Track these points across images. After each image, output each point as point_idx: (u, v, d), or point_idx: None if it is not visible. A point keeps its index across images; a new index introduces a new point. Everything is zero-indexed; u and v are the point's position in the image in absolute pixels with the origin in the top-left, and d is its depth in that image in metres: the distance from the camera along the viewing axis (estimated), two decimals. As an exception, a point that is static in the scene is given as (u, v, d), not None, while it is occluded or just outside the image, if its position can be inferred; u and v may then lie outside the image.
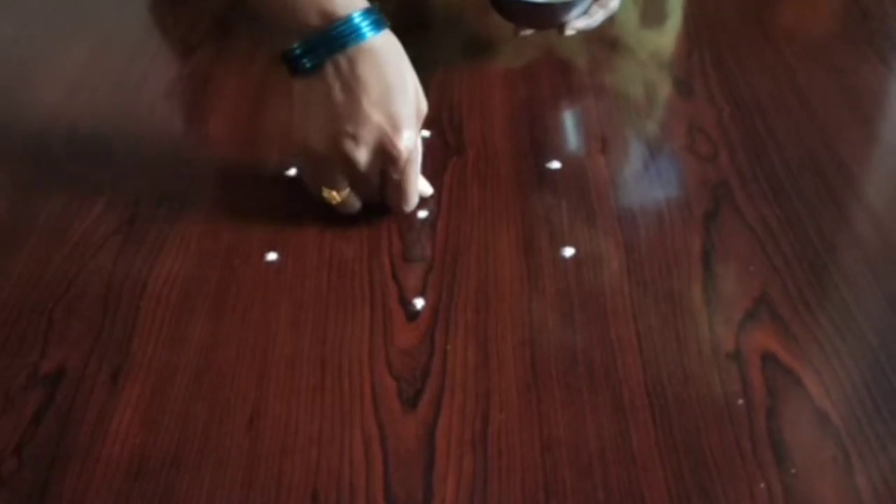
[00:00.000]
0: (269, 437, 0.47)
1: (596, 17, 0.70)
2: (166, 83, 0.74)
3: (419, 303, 0.53)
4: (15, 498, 0.44)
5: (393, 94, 0.53)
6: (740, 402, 0.47)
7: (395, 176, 0.55)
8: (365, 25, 0.52)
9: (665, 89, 0.70)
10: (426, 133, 0.66)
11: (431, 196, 0.60)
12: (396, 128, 0.53)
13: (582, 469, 0.45)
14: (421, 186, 0.59)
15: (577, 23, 0.69)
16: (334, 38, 0.52)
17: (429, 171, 0.62)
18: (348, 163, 0.54)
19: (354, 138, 0.53)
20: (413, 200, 0.58)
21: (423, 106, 0.56)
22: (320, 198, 0.57)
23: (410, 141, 0.54)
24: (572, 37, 0.70)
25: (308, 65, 0.53)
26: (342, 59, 0.52)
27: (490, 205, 0.60)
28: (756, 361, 0.49)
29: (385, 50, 0.54)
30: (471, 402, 0.48)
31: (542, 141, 0.65)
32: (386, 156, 0.54)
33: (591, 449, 0.45)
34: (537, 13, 0.69)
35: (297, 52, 0.53)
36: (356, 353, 0.51)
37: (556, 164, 0.63)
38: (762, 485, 0.43)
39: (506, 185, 0.61)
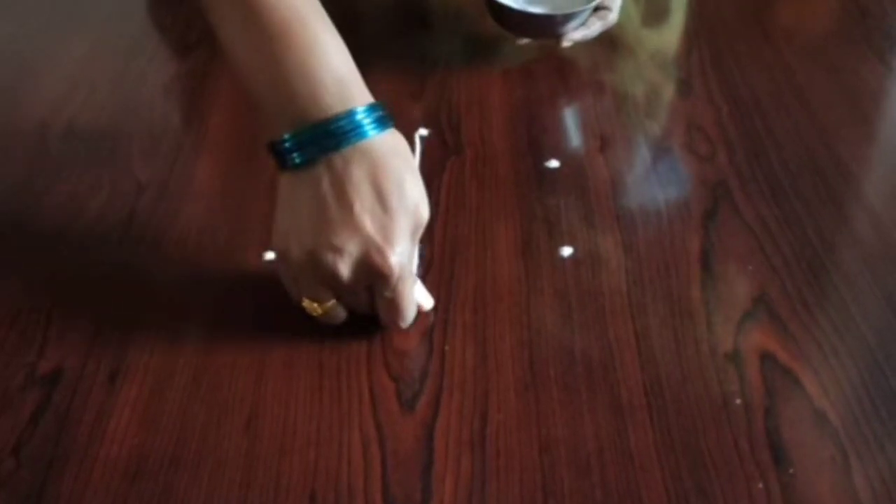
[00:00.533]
0: (268, 437, 0.47)
1: (593, 29, 0.70)
2: (165, 81, 0.74)
3: (429, 304, 0.53)
4: (13, 498, 0.44)
5: (389, 201, 0.47)
6: (738, 401, 0.47)
7: (387, 294, 0.49)
8: (367, 123, 0.47)
9: (664, 88, 0.70)
10: (424, 132, 0.65)
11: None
12: (388, 241, 0.47)
13: (580, 469, 0.45)
14: (420, 299, 0.52)
15: (575, 34, 0.70)
16: (331, 133, 0.46)
17: (427, 171, 0.62)
18: (332, 276, 0.47)
19: (339, 251, 0.46)
20: (409, 316, 0.51)
21: (424, 216, 0.49)
22: (300, 306, 0.51)
23: (403, 256, 0.48)
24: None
25: (298, 160, 0.47)
26: (337, 159, 0.46)
27: (488, 204, 0.60)
28: (754, 361, 0.49)
29: (386, 151, 0.48)
30: (469, 402, 0.48)
31: (540, 140, 0.65)
32: (374, 272, 0.47)
33: (590, 449, 0.45)
34: (535, 24, 0.69)
35: (287, 144, 0.47)
36: (354, 353, 0.51)
37: (554, 164, 0.63)
38: (760, 485, 0.43)
39: (504, 185, 0.61)
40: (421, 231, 0.50)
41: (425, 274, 0.55)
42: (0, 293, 0.55)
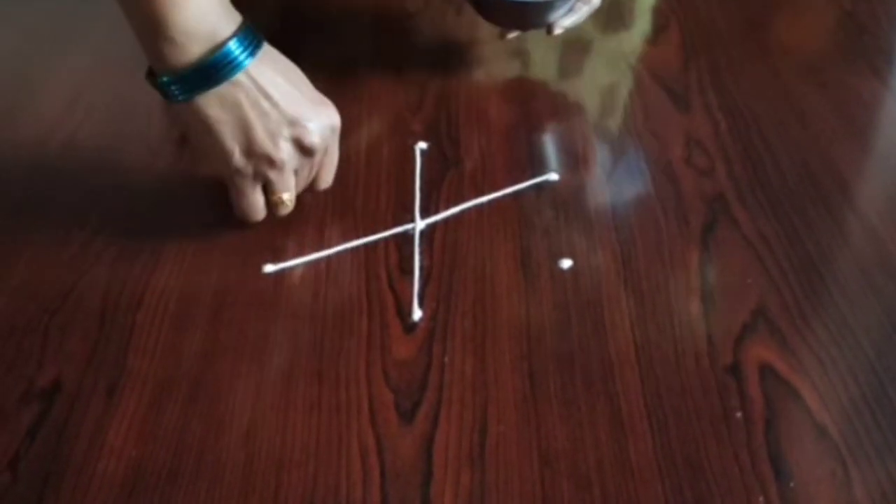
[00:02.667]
0: (266, 450, 0.46)
1: (581, 13, 0.69)
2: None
3: (417, 314, 0.53)
4: (9, 512, 0.44)
5: (304, 78, 0.55)
6: (738, 415, 0.47)
7: (332, 149, 0.57)
8: (240, 53, 0.51)
9: (662, 103, 0.70)
10: (424, 145, 0.66)
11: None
12: (326, 103, 0.55)
13: (580, 482, 0.44)
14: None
15: (564, 21, 0.68)
16: (209, 74, 0.51)
17: (426, 183, 0.62)
18: (308, 152, 0.54)
19: (309, 127, 0.54)
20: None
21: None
22: (262, 211, 0.57)
23: (336, 111, 0.56)
24: (567, 48, 0.70)
25: (181, 98, 0.52)
26: (223, 90, 0.51)
27: (487, 216, 0.60)
28: (754, 374, 0.49)
29: (267, 51, 0.53)
30: (468, 414, 0.48)
31: (538, 153, 0.65)
32: (331, 132, 0.56)
33: (590, 462, 0.45)
34: (523, 13, 0.67)
35: (172, 86, 0.52)
36: (353, 365, 0.51)
37: (553, 177, 0.63)
38: (761, 498, 0.43)
39: (502, 197, 0.61)
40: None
41: (425, 285, 0.55)
42: (-2, 305, 0.55)
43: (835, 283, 0.55)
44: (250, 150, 0.53)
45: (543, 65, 0.75)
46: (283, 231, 0.59)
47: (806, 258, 0.56)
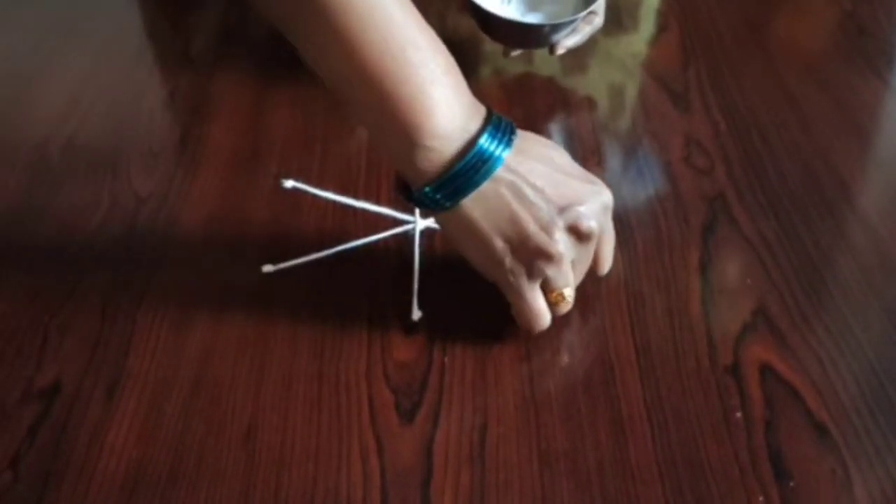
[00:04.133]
0: (267, 450, 0.46)
1: (584, 34, 0.70)
2: (164, 95, 0.74)
3: (416, 315, 0.53)
4: (10, 512, 0.44)
5: (565, 156, 0.50)
6: (738, 415, 0.47)
7: (609, 228, 0.52)
8: (495, 148, 0.46)
9: (662, 103, 0.70)
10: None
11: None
12: (595, 181, 0.50)
13: (580, 483, 0.44)
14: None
15: (567, 41, 0.69)
16: (471, 173, 0.46)
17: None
18: (586, 237, 0.49)
19: (583, 211, 0.48)
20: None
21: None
22: (547, 315, 0.50)
23: (606, 186, 0.51)
24: (569, 50, 0.70)
25: (448, 205, 0.47)
26: (489, 187, 0.46)
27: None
28: (754, 374, 0.49)
29: (522, 137, 0.48)
30: (468, 415, 0.48)
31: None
32: (605, 211, 0.51)
33: (590, 462, 0.45)
34: (526, 34, 0.69)
35: (433, 195, 0.47)
36: (353, 365, 0.51)
37: (553, 178, 0.63)
38: (761, 498, 0.43)
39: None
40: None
41: (424, 285, 0.55)
42: (-1, 306, 0.55)
43: (835, 283, 0.55)
44: (523, 248, 0.47)
45: (545, 65, 0.75)
46: (282, 231, 0.59)
47: (806, 258, 0.56)
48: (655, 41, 0.78)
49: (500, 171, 0.46)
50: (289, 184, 0.62)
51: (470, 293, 0.54)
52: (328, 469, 0.46)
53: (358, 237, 0.58)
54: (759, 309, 0.53)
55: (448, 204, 0.47)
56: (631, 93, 0.73)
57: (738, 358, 0.50)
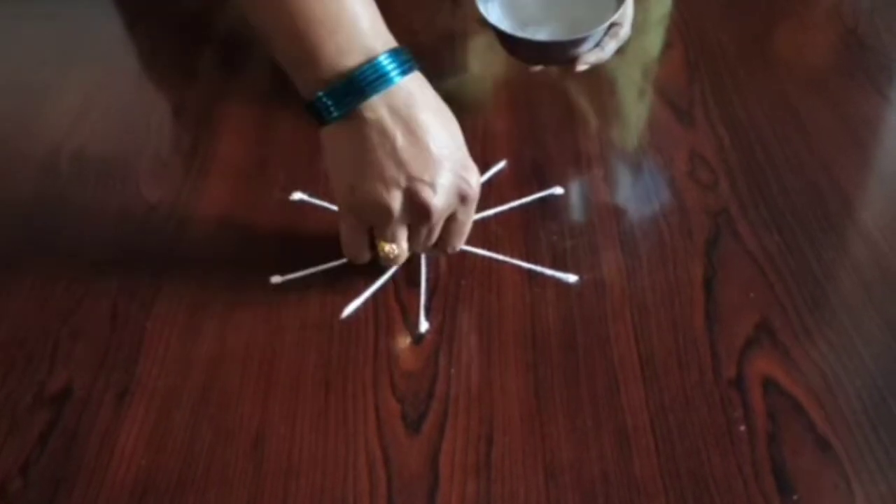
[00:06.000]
0: (274, 459, 0.47)
1: (608, 49, 0.68)
2: (173, 107, 0.75)
3: (423, 326, 0.54)
4: (20, 518, 0.44)
5: (455, 134, 0.51)
6: (742, 428, 0.48)
7: (462, 216, 0.53)
8: (392, 69, 0.48)
9: (666, 118, 0.71)
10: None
11: None
12: (466, 167, 0.51)
13: (585, 494, 0.45)
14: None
15: (589, 56, 0.67)
16: (359, 85, 0.48)
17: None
18: (423, 212, 0.50)
19: (432, 185, 0.49)
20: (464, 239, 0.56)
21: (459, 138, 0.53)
22: (363, 253, 0.54)
23: (478, 178, 0.52)
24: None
25: (336, 114, 0.49)
26: (380, 105, 0.48)
27: (493, 229, 0.60)
28: (758, 388, 0.50)
29: (426, 92, 0.50)
30: (474, 425, 0.48)
31: (544, 167, 0.66)
32: (461, 198, 0.52)
33: (594, 474, 0.46)
34: (546, 50, 0.67)
35: (325, 100, 0.49)
36: (360, 375, 0.51)
37: (558, 191, 0.63)
38: (764, 511, 0.44)
39: (508, 210, 0.62)
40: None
41: (431, 297, 0.55)
42: (10, 314, 0.55)
43: (837, 296, 0.55)
44: (361, 189, 0.50)
45: (548, 78, 0.76)
46: (290, 242, 0.60)
47: (808, 272, 0.57)
48: (660, 57, 0.79)
49: (379, 110, 0.48)
50: (296, 196, 0.63)
51: (476, 305, 0.55)
52: (335, 478, 0.46)
53: (365, 248, 0.59)
54: (762, 323, 0.53)
55: (336, 113, 0.49)
56: (635, 107, 0.74)
57: (742, 371, 0.51)
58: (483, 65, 0.78)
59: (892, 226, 0.60)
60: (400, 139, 0.49)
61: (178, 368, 0.52)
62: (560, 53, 0.67)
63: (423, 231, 0.52)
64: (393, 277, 0.57)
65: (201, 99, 0.74)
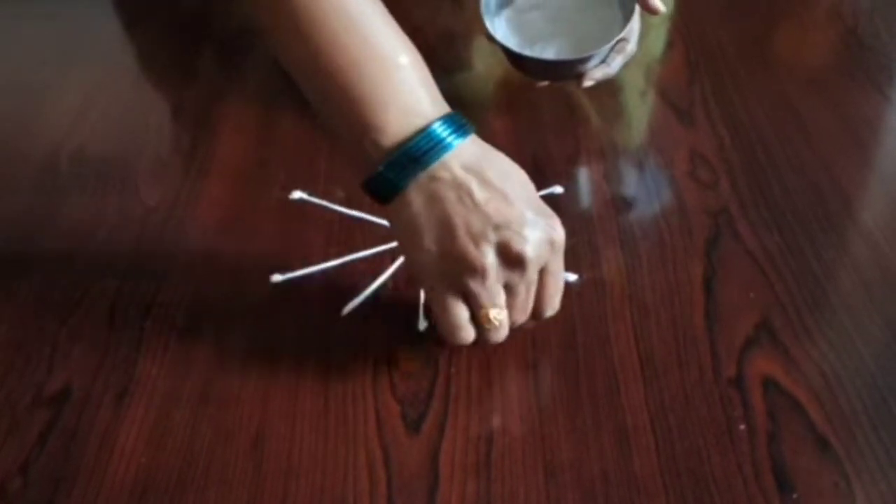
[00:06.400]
0: (274, 458, 0.47)
1: (614, 65, 0.68)
2: (172, 107, 0.75)
3: (423, 325, 0.54)
4: (20, 518, 0.44)
5: (528, 183, 0.49)
6: (742, 427, 0.47)
7: (554, 267, 0.49)
8: (448, 135, 0.46)
9: (667, 118, 0.71)
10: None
11: None
12: (549, 215, 0.48)
13: (585, 493, 0.45)
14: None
15: (595, 73, 0.67)
16: (416, 154, 0.46)
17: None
18: (518, 262, 0.47)
19: (521, 235, 0.46)
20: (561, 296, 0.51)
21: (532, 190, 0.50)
22: (467, 330, 0.48)
23: (561, 225, 0.48)
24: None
25: (401, 184, 0.46)
26: (452, 163, 0.46)
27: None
28: (758, 387, 0.50)
29: (489, 149, 0.49)
30: (474, 425, 0.48)
31: (543, 166, 0.66)
32: (550, 245, 0.48)
33: (594, 473, 0.46)
34: (553, 68, 0.67)
35: (386, 173, 0.46)
36: (360, 375, 0.51)
37: (558, 190, 0.63)
38: (764, 510, 0.44)
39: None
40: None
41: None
42: (9, 314, 0.55)
43: (837, 296, 0.55)
44: (449, 253, 0.46)
45: (551, 86, 0.76)
46: (290, 242, 0.60)
47: (809, 272, 0.57)
48: (661, 57, 0.79)
49: (450, 169, 0.46)
50: (296, 195, 0.63)
51: (476, 304, 0.55)
52: (335, 478, 0.46)
53: (364, 248, 0.59)
54: (763, 322, 0.53)
55: (400, 184, 0.46)
56: (636, 107, 0.74)
57: (742, 370, 0.50)
58: (484, 64, 0.78)
59: (893, 225, 0.60)
60: (477, 192, 0.46)
61: (177, 368, 0.52)
62: (567, 71, 0.67)
63: (522, 288, 0.48)
64: (393, 277, 0.57)
65: (201, 99, 0.75)
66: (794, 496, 0.44)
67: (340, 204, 0.62)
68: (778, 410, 0.48)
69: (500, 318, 0.48)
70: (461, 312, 0.48)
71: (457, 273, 0.46)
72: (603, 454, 0.47)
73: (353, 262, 0.58)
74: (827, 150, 0.67)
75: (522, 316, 0.49)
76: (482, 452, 0.47)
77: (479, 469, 0.46)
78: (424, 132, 0.46)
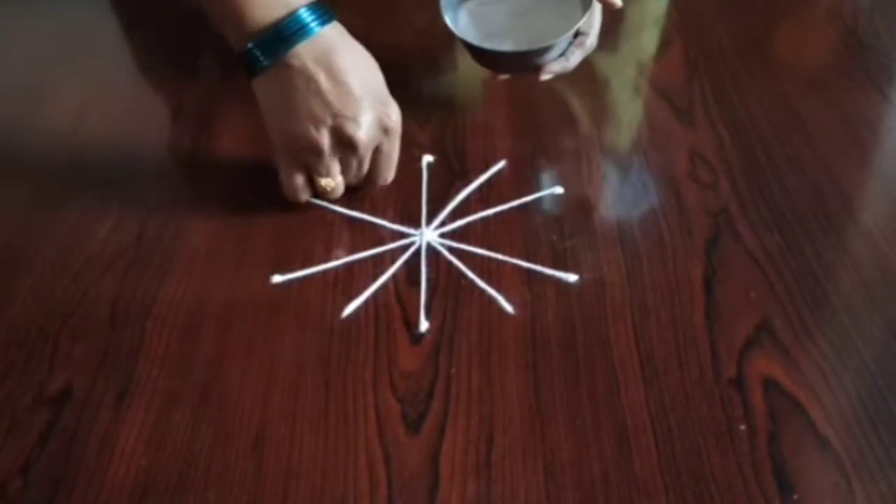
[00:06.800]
0: (274, 459, 0.47)
1: (573, 59, 0.68)
2: (172, 108, 0.75)
3: (423, 326, 0.54)
4: (20, 519, 0.44)
5: (374, 74, 0.58)
6: (742, 427, 0.47)
7: (387, 147, 0.60)
8: (311, 21, 0.55)
9: (666, 118, 0.71)
10: (430, 158, 0.66)
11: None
12: (386, 104, 0.58)
13: (585, 493, 0.45)
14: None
15: (553, 66, 0.67)
16: (282, 36, 0.54)
17: (433, 195, 0.63)
18: (350, 145, 0.57)
19: (356, 121, 0.56)
20: (394, 170, 0.62)
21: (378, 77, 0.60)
22: (302, 192, 0.60)
23: (398, 112, 0.59)
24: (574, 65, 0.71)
25: (265, 63, 0.55)
26: (304, 53, 0.55)
27: (493, 229, 0.60)
28: (758, 387, 0.50)
29: (346, 39, 0.57)
30: (474, 425, 0.48)
31: (543, 166, 0.66)
32: (384, 131, 0.58)
33: (595, 473, 0.46)
34: (510, 60, 0.67)
35: (255, 51, 0.55)
36: (360, 375, 0.51)
37: (558, 190, 0.63)
38: (765, 510, 0.44)
39: (509, 211, 0.62)
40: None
41: (431, 296, 0.55)
42: (9, 315, 0.55)
43: (837, 296, 0.55)
44: (293, 131, 0.56)
45: (549, 79, 0.76)
46: (291, 242, 0.60)
47: (809, 272, 0.57)
48: (659, 56, 0.79)
49: (302, 59, 0.55)
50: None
51: (476, 304, 0.55)
52: (335, 478, 0.46)
53: (365, 249, 0.59)
54: (763, 322, 0.53)
55: (265, 62, 0.55)
56: (635, 107, 0.74)
57: (742, 371, 0.50)
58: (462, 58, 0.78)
59: (893, 225, 0.60)
60: (323, 82, 0.55)
61: (177, 369, 0.52)
62: (524, 63, 0.67)
63: (354, 163, 0.59)
64: (393, 277, 0.57)
65: (201, 99, 0.75)
66: (795, 496, 0.44)
67: (340, 205, 0.62)
68: (778, 410, 0.48)
69: (331, 186, 0.60)
70: (299, 178, 0.60)
71: (298, 149, 0.58)
72: (603, 454, 0.47)
73: (353, 262, 0.58)
74: (827, 150, 0.67)
75: (354, 181, 0.61)
76: (482, 452, 0.47)
77: (479, 469, 0.46)
78: (291, 16, 0.54)
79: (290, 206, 0.63)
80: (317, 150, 0.57)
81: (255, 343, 0.53)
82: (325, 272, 0.58)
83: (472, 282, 0.56)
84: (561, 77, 0.70)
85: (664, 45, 0.80)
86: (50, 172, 0.67)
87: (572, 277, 0.56)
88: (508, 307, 0.55)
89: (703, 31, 0.81)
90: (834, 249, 0.58)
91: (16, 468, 0.46)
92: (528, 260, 0.58)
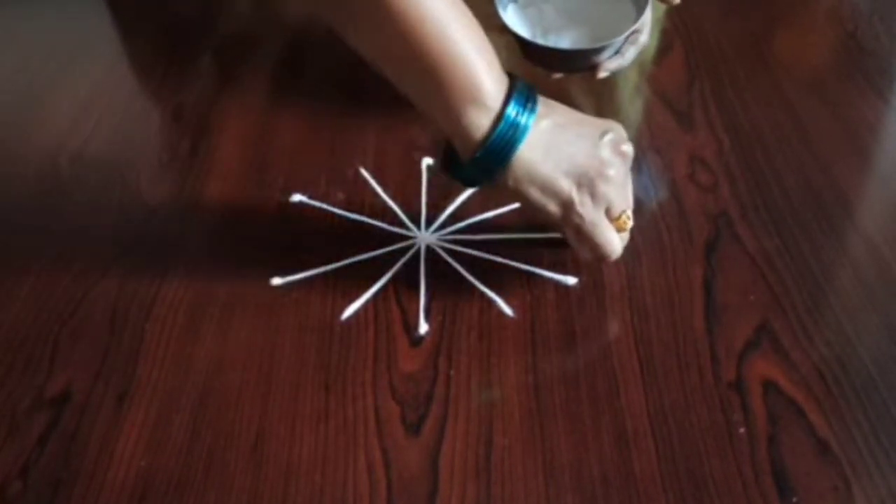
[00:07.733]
0: (274, 460, 0.47)
1: (627, 56, 0.67)
2: (174, 108, 0.75)
3: (423, 328, 0.54)
4: (20, 520, 0.44)
5: (577, 143, 0.52)
6: (742, 430, 0.48)
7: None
8: (520, 117, 0.49)
9: (666, 121, 0.71)
10: (430, 160, 0.66)
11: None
12: (620, 136, 0.53)
13: (585, 495, 0.45)
14: None
15: (610, 63, 0.67)
16: (497, 151, 0.49)
17: (434, 197, 0.63)
18: (625, 156, 0.52)
19: (620, 135, 0.53)
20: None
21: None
22: (615, 239, 0.53)
23: (615, 131, 0.54)
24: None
25: (503, 163, 0.50)
26: (517, 168, 0.50)
27: (492, 232, 0.60)
28: (757, 390, 0.50)
29: (555, 121, 0.52)
30: (474, 427, 0.48)
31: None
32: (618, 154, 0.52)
33: (594, 475, 0.46)
34: (568, 58, 0.67)
35: (472, 170, 0.50)
36: (360, 377, 0.51)
37: (558, 193, 0.63)
38: (764, 513, 0.44)
39: (508, 213, 0.62)
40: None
41: (431, 299, 0.55)
42: (9, 316, 0.55)
43: (837, 299, 0.55)
44: (584, 175, 0.50)
45: (549, 83, 0.76)
46: (289, 244, 0.60)
47: (808, 274, 0.57)
48: (659, 59, 0.79)
49: (535, 118, 0.50)
50: (296, 198, 0.63)
51: (476, 307, 0.55)
52: (335, 480, 0.46)
53: (364, 251, 0.59)
54: (762, 325, 0.53)
55: (503, 162, 0.49)
56: (635, 110, 0.74)
57: (742, 373, 0.51)
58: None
59: (892, 227, 0.60)
60: (565, 121, 0.52)
61: (177, 370, 0.52)
62: (582, 61, 0.67)
63: (629, 183, 0.54)
64: (393, 279, 0.57)
65: (200, 101, 0.75)
66: (794, 499, 0.44)
67: (340, 207, 0.62)
68: (778, 413, 0.48)
69: (630, 215, 0.53)
70: (610, 226, 0.52)
71: (597, 188, 0.51)
72: (602, 456, 0.47)
73: (352, 264, 0.58)
74: (826, 152, 0.67)
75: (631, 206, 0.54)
76: (482, 454, 0.47)
77: (478, 471, 0.46)
78: (497, 131, 0.49)
79: (290, 206, 0.63)
80: (614, 177, 0.51)
81: (255, 345, 0.53)
82: (324, 274, 0.58)
83: (471, 284, 0.56)
84: (561, 79, 0.70)
85: (664, 48, 0.80)
86: (51, 172, 0.67)
87: (572, 280, 0.56)
88: (508, 310, 0.55)
89: (703, 34, 0.81)
90: (833, 251, 0.58)
91: (15, 470, 0.46)
92: (528, 263, 0.58)
